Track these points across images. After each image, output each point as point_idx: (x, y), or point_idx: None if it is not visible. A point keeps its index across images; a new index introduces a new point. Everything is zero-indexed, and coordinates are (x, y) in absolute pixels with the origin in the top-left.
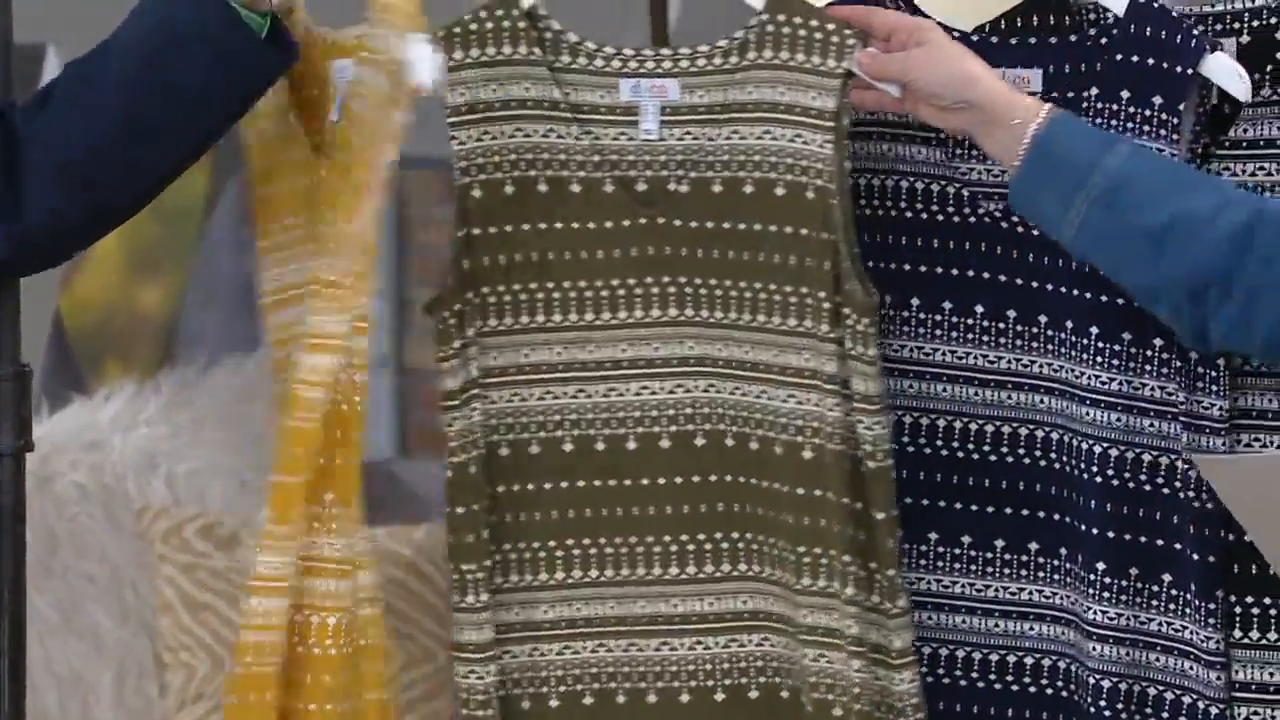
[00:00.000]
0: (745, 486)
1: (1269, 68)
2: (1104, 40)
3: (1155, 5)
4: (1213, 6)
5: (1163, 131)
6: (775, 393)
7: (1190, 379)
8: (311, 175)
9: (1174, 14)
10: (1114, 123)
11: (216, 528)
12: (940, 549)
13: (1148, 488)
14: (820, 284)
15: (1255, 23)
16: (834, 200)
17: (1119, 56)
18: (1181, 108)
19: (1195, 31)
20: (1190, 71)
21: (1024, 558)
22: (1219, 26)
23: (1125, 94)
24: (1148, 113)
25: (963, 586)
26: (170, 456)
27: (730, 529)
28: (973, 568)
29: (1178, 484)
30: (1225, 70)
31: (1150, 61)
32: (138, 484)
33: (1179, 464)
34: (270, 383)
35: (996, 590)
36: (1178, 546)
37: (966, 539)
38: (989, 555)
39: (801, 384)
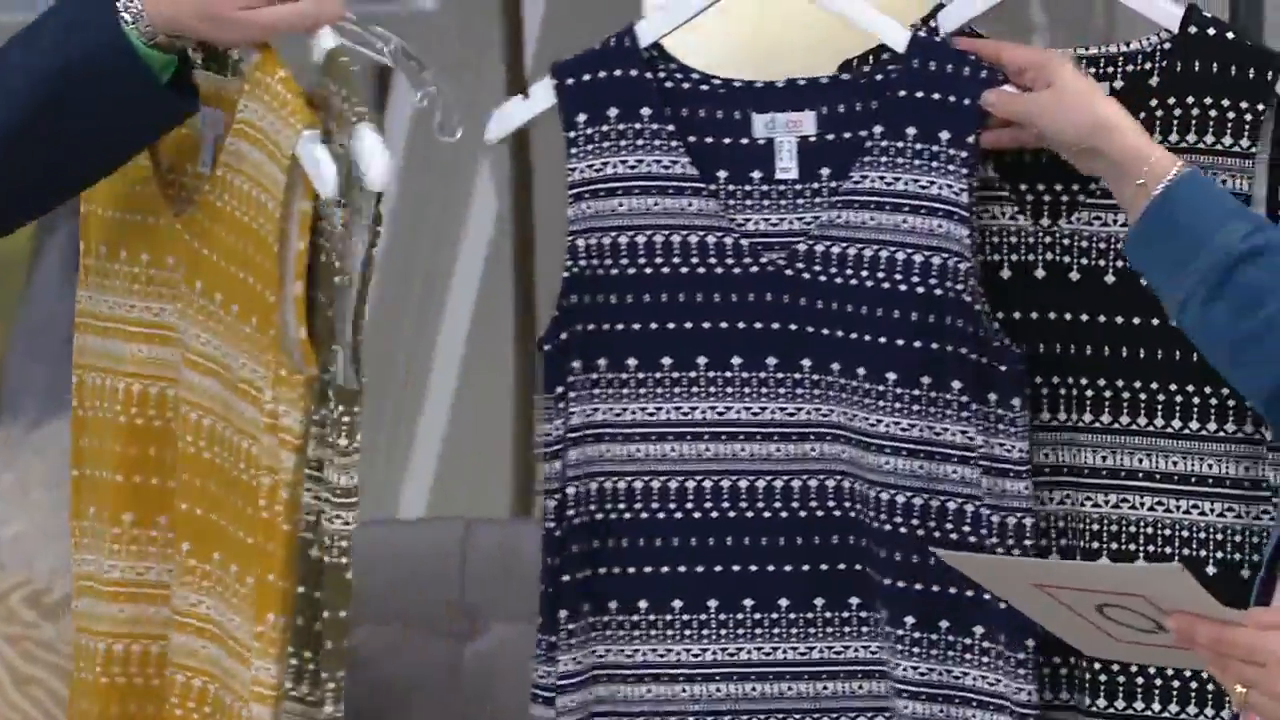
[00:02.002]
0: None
1: (1142, 115)
2: (881, 77)
3: (938, 40)
4: (1086, 50)
5: (950, 167)
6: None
7: (990, 421)
8: (154, 216)
9: (955, 48)
10: (901, 160)
11: (44, 595)
12: (742, 615)
13: (954, 536)
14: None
15: (1130, 67)
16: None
17: (902, 93)
18: (970, 140)
19: (983, 65)
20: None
21: (844, 614)
22: (1092, 71)
23: (911, 130)
24: (935, 148)
25: (769, 652)
26: None
27: None
28: (776, 631)
29: (983, 531)
30: None
31: (936, 96)
32: None
33: (982, 510)
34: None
35: (805, 651)
36: (987, 596)
37: (784, 601)
38: (799, 616)
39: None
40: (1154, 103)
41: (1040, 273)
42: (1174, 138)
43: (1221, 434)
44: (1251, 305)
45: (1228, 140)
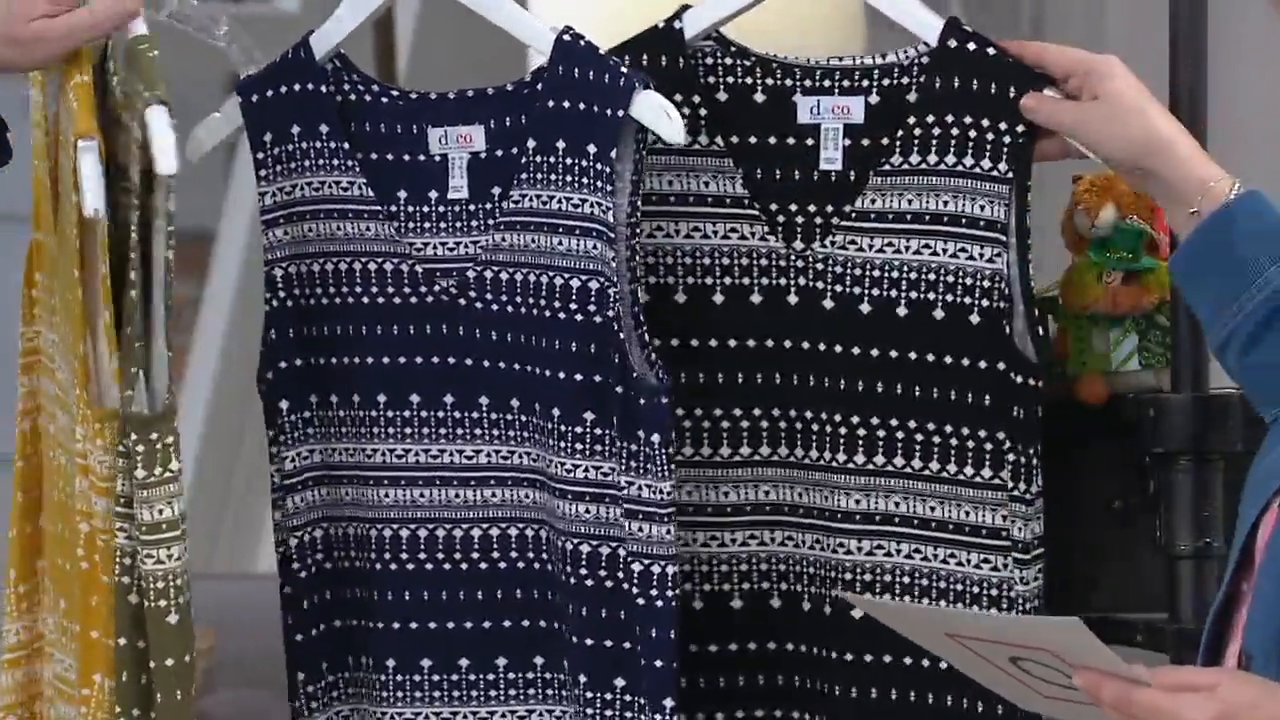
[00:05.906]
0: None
1: (899, 133)
2: (531, 89)
3: (582, 43)
4: (840, 60)
5: (599, 183)
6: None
7: (639, 460)
8: (48, 232)
9: (601, 53)
10: (554, 176)
11: None
12: (419, 676)
13: (589, 583)
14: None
15: (886, 81)
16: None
17: (550, 103)
18: (614, 154)
19: (624, 69)
20: (622, 114)
21: (529, 674)
22: (845, 83)
23: (561, 144)
24: (584, 163)
25: (448, 717)
26: None
27: None
28: (473, 693)
29: (619, 576)
30: (653, 110)
31: (582, 106)
32: None
33: (622, 554)
34: None
35: (486, 716)
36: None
37: (464, 661)
38: (490, 677)
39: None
40: (911, 120)
41: (793, 299)
42: (932, 159)
43: (979, 479)
44: None
45: (986, 164)
